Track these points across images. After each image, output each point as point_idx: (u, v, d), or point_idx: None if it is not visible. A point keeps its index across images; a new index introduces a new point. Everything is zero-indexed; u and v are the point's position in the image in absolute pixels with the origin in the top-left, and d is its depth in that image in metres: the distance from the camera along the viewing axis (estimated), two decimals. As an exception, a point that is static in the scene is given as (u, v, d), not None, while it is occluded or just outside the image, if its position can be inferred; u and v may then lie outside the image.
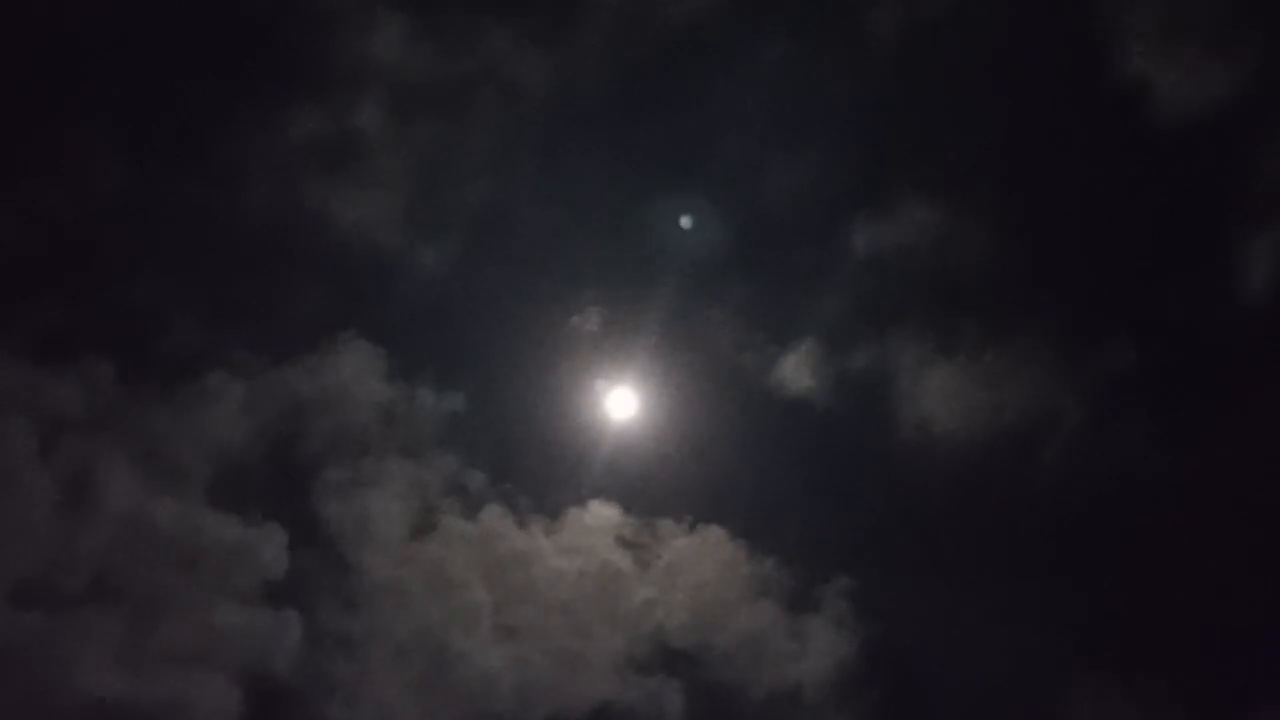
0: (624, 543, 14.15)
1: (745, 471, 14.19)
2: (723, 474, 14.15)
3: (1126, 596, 13.94)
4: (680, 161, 14.18)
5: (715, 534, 14.27)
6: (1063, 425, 14.51)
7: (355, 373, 13.57)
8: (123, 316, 13.06)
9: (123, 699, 11.87)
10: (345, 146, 13.93)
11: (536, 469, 13.97)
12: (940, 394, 14.54)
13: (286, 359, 13.41)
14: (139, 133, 13.33)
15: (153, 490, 12.76)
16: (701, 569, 14.26)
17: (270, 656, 12.70)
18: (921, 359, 14.52)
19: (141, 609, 12.40)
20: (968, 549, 14.51)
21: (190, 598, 12.61)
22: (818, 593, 14.43)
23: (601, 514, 14.10)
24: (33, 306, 12.76)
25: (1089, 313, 14.67)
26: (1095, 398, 14.46)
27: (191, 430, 13.01)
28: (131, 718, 11.91)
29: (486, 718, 13.23)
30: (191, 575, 12.68)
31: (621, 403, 14.16)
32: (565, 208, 14.06)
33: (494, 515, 13.80)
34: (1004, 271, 14.58)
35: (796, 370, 14.17)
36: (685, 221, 14.09)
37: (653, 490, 14.12)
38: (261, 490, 13.17)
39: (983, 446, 14.58)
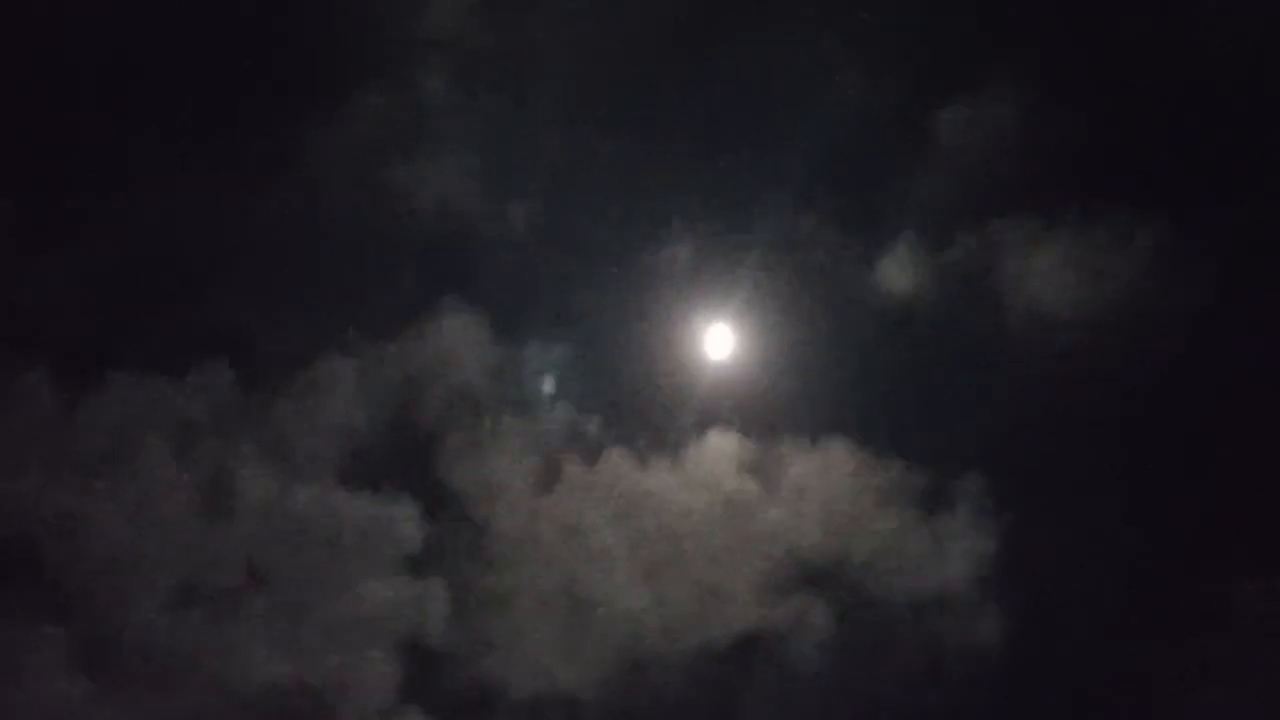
0: (747, 469, 14.76)
1: (860, 379, 14.67)
2: (837, 385, 14.66)
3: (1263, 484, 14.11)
4: (753, 77, 14.59)
5: (838, 446, 14.79)
6: (1180, 298, 14.69)
7: (459, 338, 14.36)
8: (229, 320, 14.00)
9: (290, 682, 12.87)
10: (412, 119, 14.65)
11: (650, 408, 14.64)
12: (1048, 276, 14.82)
13: (391, 335, 14.26)
14: (206, 138, 14.16)
15: (286, 480, 13.73)
16: (829, 484, 14.80)
17: (421, 625, 13.61)
18: (1024, 243, 14.81)
19: (294, 595, 13.40)
20: (1094, 432, 14.81)
21: (337, 578, 13.57)
22: (950, 492, 14.88)
23: (721, 443, 14.72)
24: (145, 323, 13.76)
25: (1193, 180, 14.78)
26: (1210, 268, 14.61)
27: (313, 417, 13.95)
28: (301, 698, 12.91)
29: (637, 659, 13.99)
30: (335, 556, 13.64)
31: (725, 330, 14.74)
32: (638, 145, 14.62)
33: (615, 459, 14.52)
34: (1101, 146, 14.74)
35: (897, 271, 14.59)
36: (765, 137, 14.53)
37: (768, 412, 14.69)
38: (388, 465, 14.08)
39: (1099, 326, 14.83)
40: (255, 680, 12.76)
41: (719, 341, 14.81)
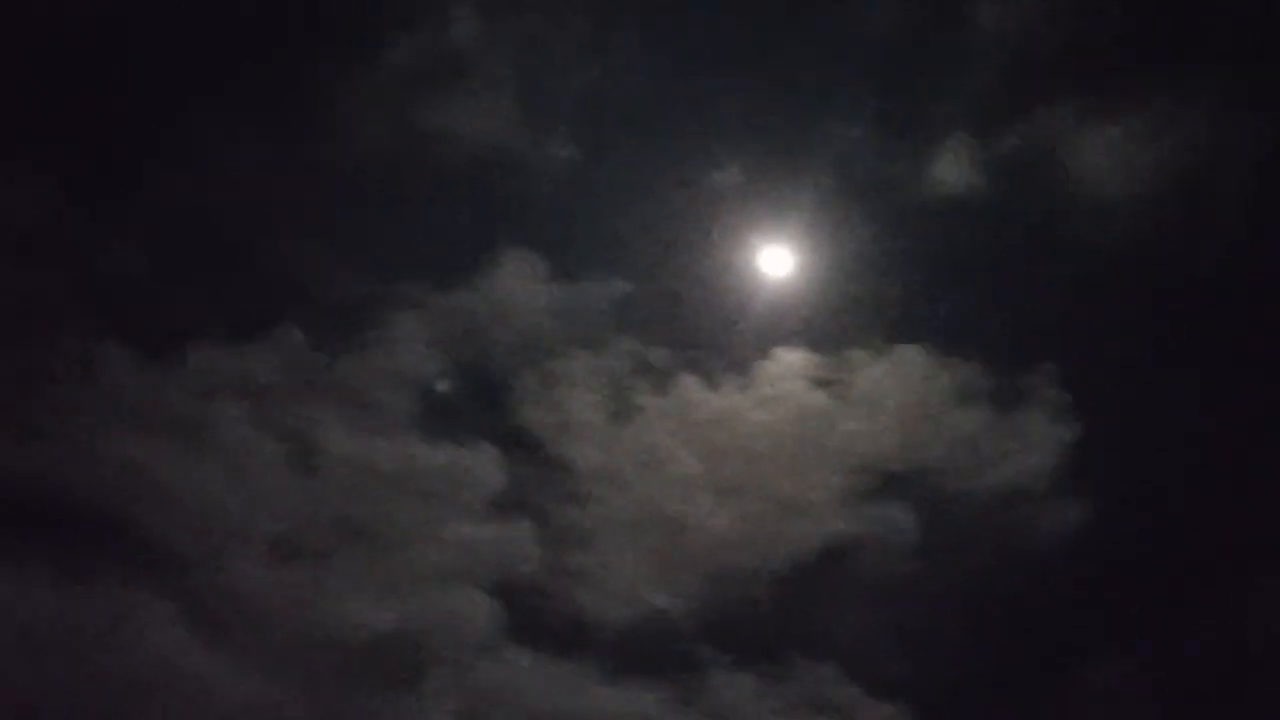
0: (818, 382, 14.98)
1: (923, 283, 14.81)
2: (900, 291, 14.81)
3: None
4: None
5: (907, 352, 14.97)
6: (1239, 172, 14.63)
7: (518, 280, 14.66)
8: (294, 281, 14.38)
9: (390, 627, 13.34)
10: (446, 62, 14.84)
11: (715, 331, 14.88)
12: (1104, 159, 14.82)
13: (452, 283, 14.60)
14: (245, 102, 14.43)
15: (365, 435, 14.15)
16: (901, 390, 15.00)
17: (513, 564, 14.01)
18: (1076, 128, 14.82)
19: (386, 545, 13.85)
20: (1163, 314, 14.84)
21: (426, 525, 14.00)
22: (1024, 386, 15.01)
23: (789, 359, 14.95)
24: (212, 292, 14.18)
25: (1246, 52, 14.64)
26: (1269, 139, 14.52)
27: (384, 370, 14.34)
28: (403, 642, 13.37)
29: (724, 577, 14.33)
30: (421, 504, 14.06)
31: (782, 246, 14.91)
32: (677, 67, 14.74)
33: (686, 385, 14.80)
34: (1148, 22, 14.63)
35: (950, 167, 14.66)
36: (803, 48, 14.60)
37: (835, 323, 14.88)
38: (463, 412, 14.46)
39: (1159, 206, 14.83)
40: (357, 628, 13.23)
41: (777, 259, 14.99)
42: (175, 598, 12.63)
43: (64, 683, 12.22)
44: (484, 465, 14.32)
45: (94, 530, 12.84)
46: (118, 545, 12.74)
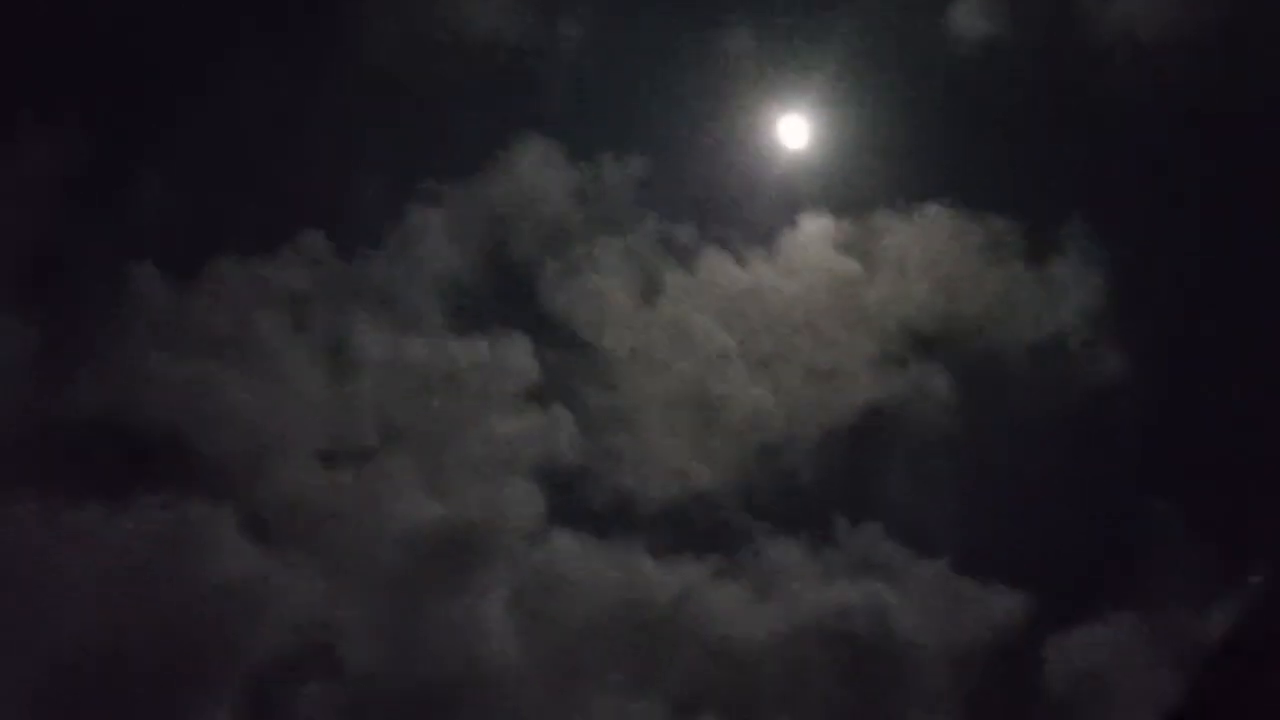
0: (845, 248, 15.12)
1: (948, 136, 14.79)
2: (925, 146, 14.82)
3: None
4: None
5: (933, 210, 15.05)
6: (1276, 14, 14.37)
7: (537, 166, 14.79)
8: (312, 187, 14.57)
9: (440, 521, 13.83)
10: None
11: (737, 204, 15.01)
12: (1135, 3, 14.59)
13: (471, 175, 14.75)
14: (253, 6, 14.45)
15: (398, 334, 14.49)
16: (930, 249, 15.12)
17: (554, 451, 14.42)
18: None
19: (428, 442, 14.27)
20: (1196, 156, 14.76)
21: (465, 419, 14.40)
22: (1055, 237, 15.08)
23: (814, 227, 15.08)
24: (233, 205, 14.41)
25: None
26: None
27: (410, 269, 14.60)
28: (453, 534, 13.87)
29: (765, 449, 14.68)
30: (459, 399, 14.44)
31: (801, 109, 14.90)
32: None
33: (712, 260, 14.98)
34: None
35: (970, 14, 14.50)
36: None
37: (858, 186, 14.95)
38: (493, 305, 14.76)
39: (1191, 47, 14.63)
40: (408, 524, 13.73)
41: (796, 125, 15.00)
42: (230, 507, 13.13)
43: (132, 596, 12.81)
44: (517, 356, 14.65)
45: (145, 448, 13.32)
46: (170, 461, 13.22)
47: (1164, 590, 13.01)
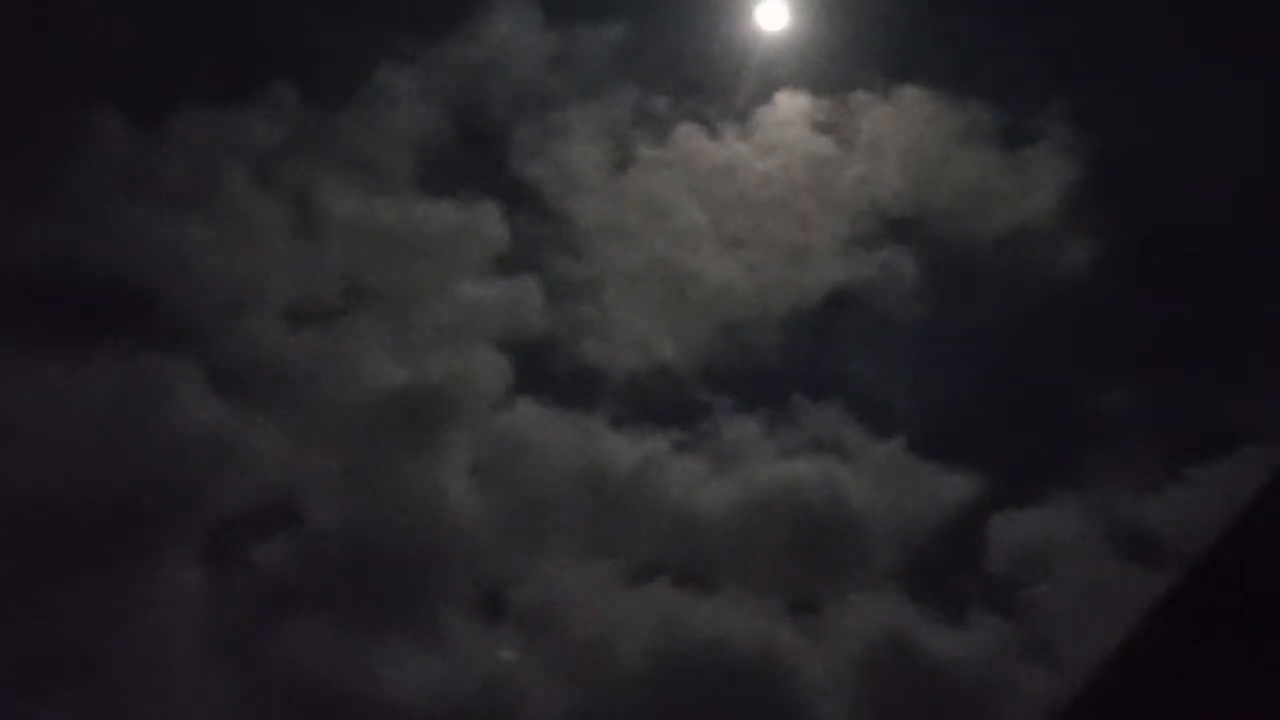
0: (821, 127, 15.69)
1: (929, 18, 15.26)
2: (905, 27, 15.29)
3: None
4: None
5: (911, 93, 15.61)
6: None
7: (513, 28, 15.19)
8: (283, 38, 14.92)
9: (405, 385, 14.53)
10: None
11: (714, 77, 15.49)
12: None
13: (445, 35, 15.13)
14: None
15: (367, 193, 15.03)
16: (905, 132, 15.71)
17: (520, 319, 15.10)
18: None
19: (394, 305, 14.91)
20: (1178, 46, 15.28)
21: (433, 284, 15.02)
22: (1033, 123, 15.70)
23: (791, 104, 15.61)
24: (201, 52, 14.73)
25: None
26: None
27: (381, 127, 15.07)
28: (418, 399, 14.58)
29: (730, 326, 15.43)
30: (427, 263, 15.05)
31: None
32: None
33: (687, 134, 15.53)
34: None
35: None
36: None
37: (836, 65, 15.46)
38: (464, 169, 15.27)
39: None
40: (373, 387, 14.44)
41: (778, 2, 15.41)
42: (195, 362, 13.78)
43: (94, 448, 13.47)
44: (486, 222, 15.23)
45: (108, 299, 13.87)
46: (132, 313, 13.80)
47: (1110, 478, 13.99)
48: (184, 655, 12.53)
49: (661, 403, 14.80)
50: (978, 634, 13.31)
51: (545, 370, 15.05)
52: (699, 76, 15.48)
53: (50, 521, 12.93)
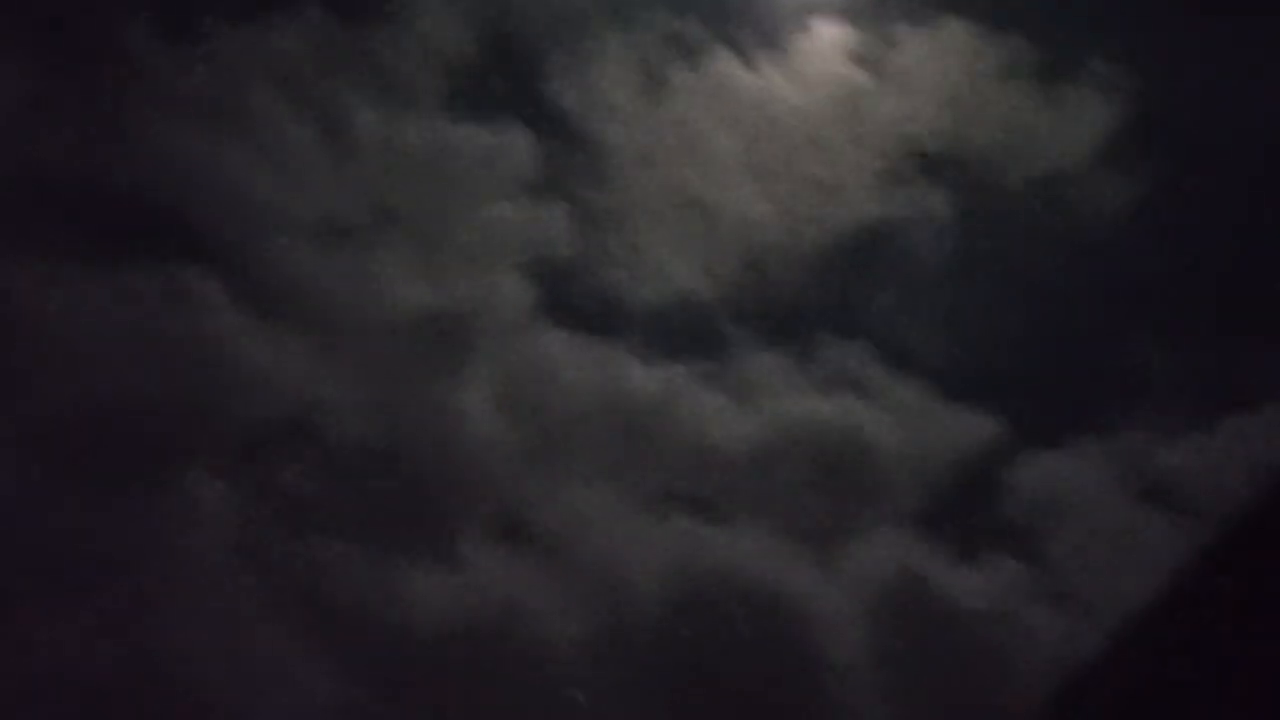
0: (857, 59, 15.80)
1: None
2: (946, -41, 15.31)
3: None
4: None
5: (952, 26, 15.68)
6: None
7: (548, -51, 15.30)
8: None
9: (432, 306, 14.86)
10: None
11: (750, 3, 15.58)
12: None
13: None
14: None
15: (395, 115, 15.26)
16: (943, 67, 15.81)
17: (547, 246, 15.37)
18: None
19: (422, 228, 15.20)
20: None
21: (460, 208, 15.30)
22: (1075, 62, 15.76)
23: (827, 34, 15.72)
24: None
25: None
26: None
27: (413, 47, 15.26)
28: (441, 322, 14.93)
29: (756, 259, 15.66)
30: (455, 186, 15.31)
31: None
32: None
33: (720, 61, 15.66)
34: None
35: None
36: None
37: (875, -5, 15.50)
38: (494, 92, 15.47)
39: None
40: (398, 308, 14.77)
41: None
42: (221, 282, 14.12)
43: (121, 364, 13.88)
44: (516, 146, 15.46)
45: (135, 216, 14.20)
46: (157, 232, 14.13)
47: (1135, 425, 14.23)
48: (209, 567, 13.03)
49: (685, 334, 15.11)
50: (994, 576, 13.67)
51: (570, 297, 15.35)
52: (735, 2, 15.61)
53: (79, 435, 13.38)
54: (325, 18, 15.12)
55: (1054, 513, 14.04)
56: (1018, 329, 15.21)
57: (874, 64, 15.67)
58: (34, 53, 14.10)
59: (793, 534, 13.74)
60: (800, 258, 15.59)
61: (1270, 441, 13.64)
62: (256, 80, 14.86)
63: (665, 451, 14.40)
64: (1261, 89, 15.32)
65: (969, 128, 15.85)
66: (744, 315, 15.32)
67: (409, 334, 14.72)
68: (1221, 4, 15.83)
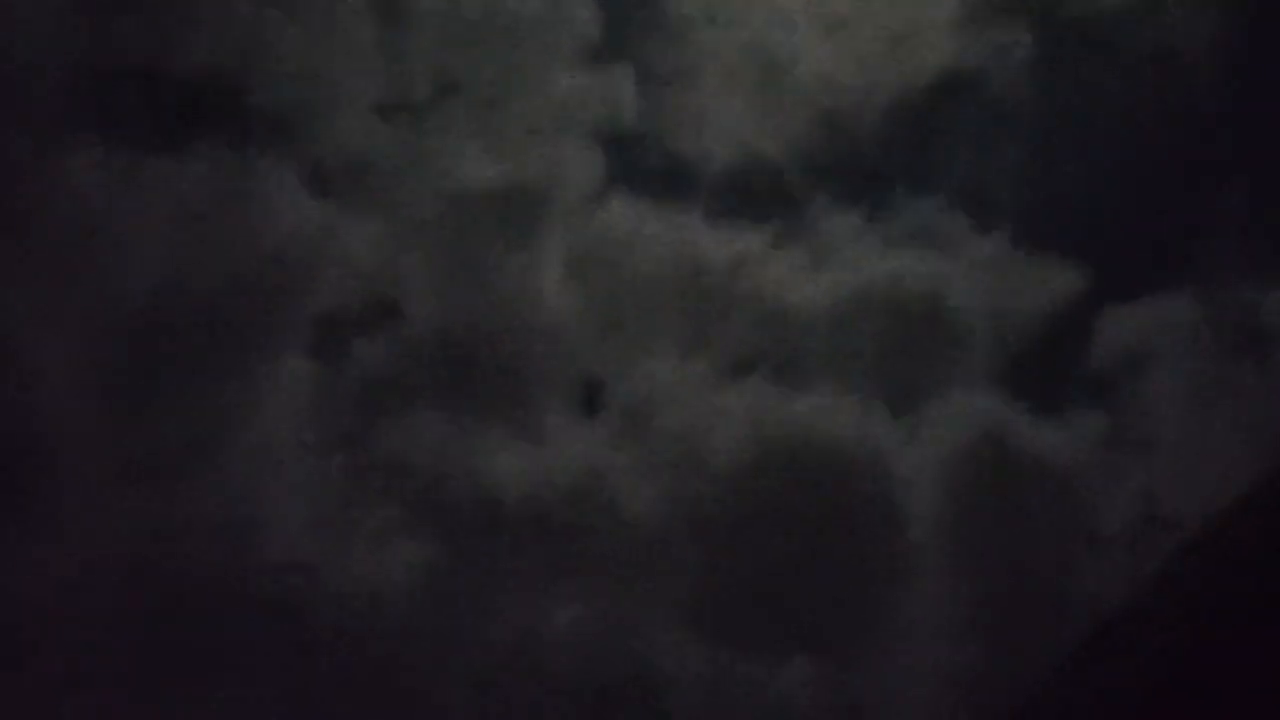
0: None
1: None
2: None
3: None
4: None
5: None
6: None
7: None
8: None
9: (497, 180, 15.02)
10: None
11: None
12: None
13: None
14: None
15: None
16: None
17: (614, 111, 15.38)
18: None
19: (486, 98, 15.28)
20: None
21: (525, 75, 15.32)
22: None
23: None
24: None
25: None
26: None
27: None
28: (511, 193, 15.09)
29: (831, 115, 15.53)
30: (518, 54, 15.32)
31: None
32: None
33: (785, -91, 15.34)
34: None
35: None
36: None
37: None
38: (551, -47, 15.33)
39: None
40: (465, 182, 14.95)
41: None
42: (288, 159, 14.41)
43: (194, 247, 14.29)
44: (577, 9, 15.38)
45: (200, 97, 14.47)
46: (224, 112, 14.39)
47: (1222, 273, 14.05)
48: (293, 446, 13.58)
49: (758, 196, 15.11)
50: (1078, 430, 13.75)
51: (639, 163, 15.39)
52: None
53: (158, 319, 13.88)
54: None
55: (1141, 364, 14.02)
56: (1103, 175, 14.99)
57: (946, -97, 15.27)
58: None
59: (871, 395, 13.90)
60: (874, 111, 15.45)
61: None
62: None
63: (741, 317, 14.56)
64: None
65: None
66: (818, 173, 15.28)
67: (477, 207, 14.92)
68: None
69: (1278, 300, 13.94)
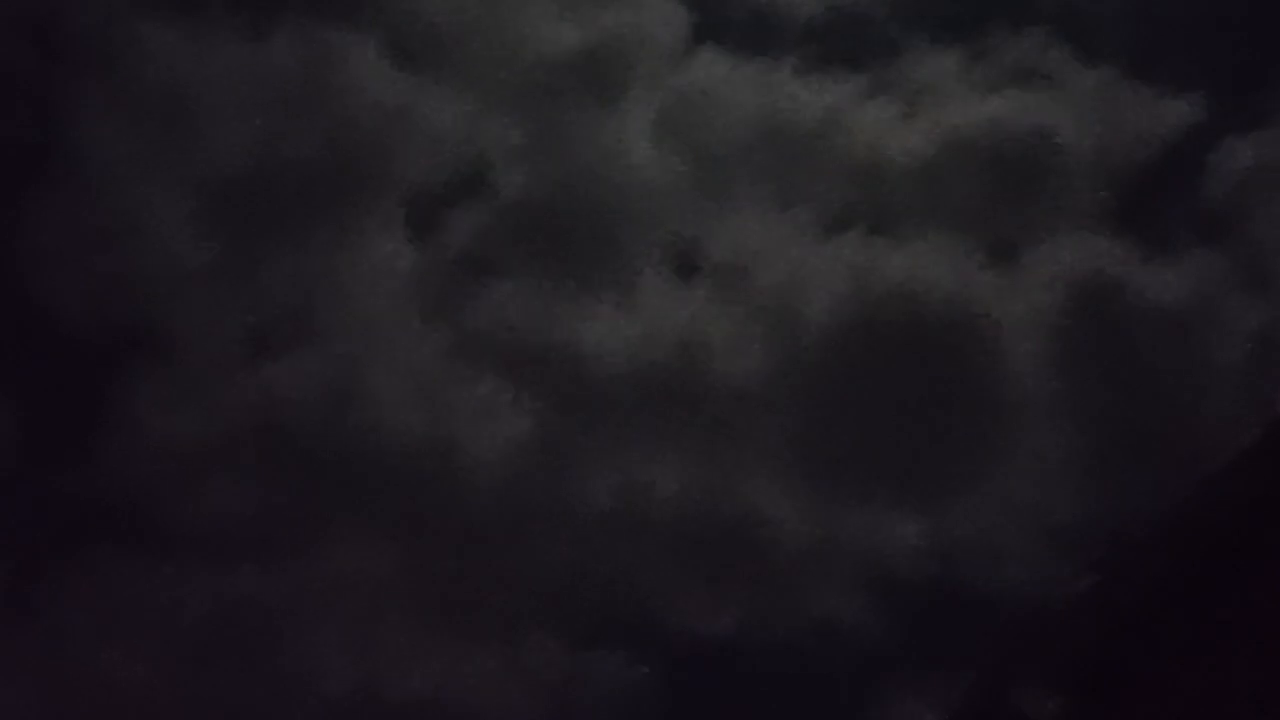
0: None
1: None
2: None
3: None
4: None
5: None
6: None
7: None
8: None
9: (579, 43, 14.96)
10: None
11: None
12: None
13: None
14: None
15: None
16: None
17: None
18: None
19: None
20: None
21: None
22: None
23: None
24: None
25: None
26: None
27: None
28: (594, 56, 15.02)
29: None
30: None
31: None
32: None
33: None
34: None
35: None
36: None
37: None
38: None
39: None
40: (549, 50, 14.91)
41: None
42: (368, 34, 14.51)
43: (281, 123, 14.52)
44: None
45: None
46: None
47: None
48: (391, 317, 13.92)
49: (848, 45, 14.87)
50: (1192, 268, 13.52)
51: (724, 17, 15.23)
52: None
53: (249, 195, 14.21)
54: None
55: (1258, 198, 13.67)
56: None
57: None
58: None
59: (974, 245, 13.78)
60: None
61: None
62: None
63: (836, 171, 14.45)
64: None
65: None
66: (909, 16, 14.97)
67: (563, 74, 14.92)
68: None
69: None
